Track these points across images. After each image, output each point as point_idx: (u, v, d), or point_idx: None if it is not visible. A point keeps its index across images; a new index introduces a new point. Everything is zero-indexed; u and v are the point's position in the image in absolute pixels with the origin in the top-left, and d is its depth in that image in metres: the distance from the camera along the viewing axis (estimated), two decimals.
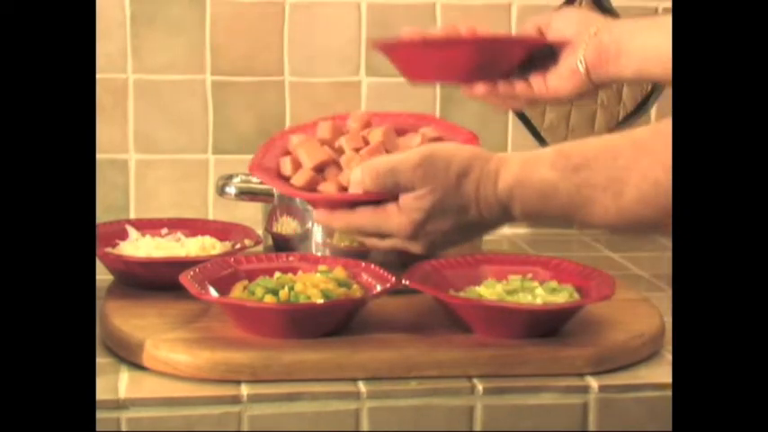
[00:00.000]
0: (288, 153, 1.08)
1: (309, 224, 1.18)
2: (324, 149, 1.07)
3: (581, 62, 1.13)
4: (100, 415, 0.92)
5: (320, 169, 1.06)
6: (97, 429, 0.89)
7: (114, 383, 0.98)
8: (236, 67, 1.44)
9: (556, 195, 0.94)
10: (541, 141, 1.43)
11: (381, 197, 0.98)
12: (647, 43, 1.10)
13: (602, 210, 0.93)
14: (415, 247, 0.99)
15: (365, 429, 0.98)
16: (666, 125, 0.89)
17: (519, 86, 1.16)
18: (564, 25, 1.15)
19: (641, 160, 0.91)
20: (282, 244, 1.21)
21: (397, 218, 0.97)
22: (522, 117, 1.44)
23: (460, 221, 0.97)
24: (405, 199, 0.97)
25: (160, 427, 0.95)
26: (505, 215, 0.97)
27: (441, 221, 0.97)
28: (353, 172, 1.00)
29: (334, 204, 1.01)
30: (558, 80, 1.15)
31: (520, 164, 0.96)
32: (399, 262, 1.13)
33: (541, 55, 1.16)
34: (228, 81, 1.44)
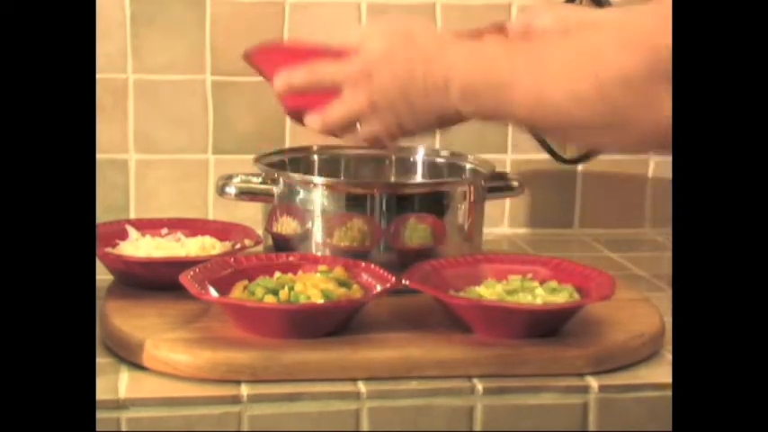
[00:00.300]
0: None
1: (309, 224, 1.18)
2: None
3: None
4: (100, 415, 0.92)
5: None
6: (97, 429, 0.89)
7: (114, 383, 0.98)
8: (236, 67, 1.43)
9: (491, 69, 0.98)
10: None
11: (343, 51, 1.04)
12: None
13: (522, 92, 0.96)
14: (360, 97, 1.03)
15: (365, 429, 0.98)
16: (619, 32, 0.93)
17: None
18: (541, 24, 1.15)
19: (580, 59, 0.93)
20: (282, 244, 1.21)
21: (351, 61, 1.03)
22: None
23: (404, 82, 1.01)
24: (362, 44, 1.04)
25: (160, 427, 0.95)
26: (445, 91, 1.00)
27: (387, 74, 1.02)
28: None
29: (297, 57, 1.07)
30: None
31: (474, 43, 1.03)
32: (399, 262, 1.13)
33: None
34: (228, 81, 1.44)
